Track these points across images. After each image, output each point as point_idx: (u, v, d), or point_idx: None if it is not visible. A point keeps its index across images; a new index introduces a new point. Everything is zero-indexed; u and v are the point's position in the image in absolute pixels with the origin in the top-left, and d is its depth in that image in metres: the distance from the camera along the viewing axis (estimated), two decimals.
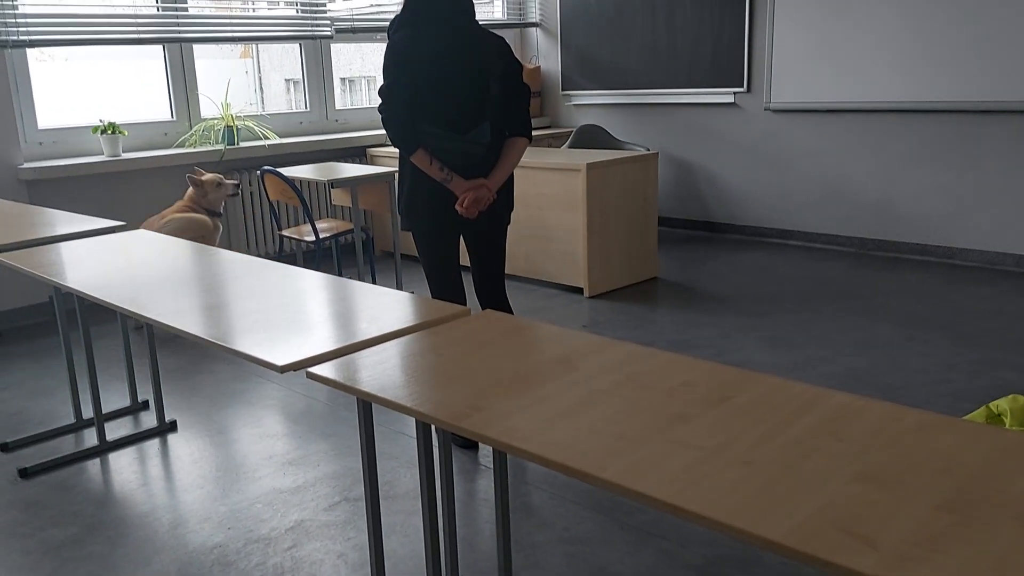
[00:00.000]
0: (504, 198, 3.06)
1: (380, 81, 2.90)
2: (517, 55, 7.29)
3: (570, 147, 6.40)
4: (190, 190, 4.76)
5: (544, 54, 7.29)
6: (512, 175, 3.06)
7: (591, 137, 6.47)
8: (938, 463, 1.23)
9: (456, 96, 2.87)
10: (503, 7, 7.20)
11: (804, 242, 6.07)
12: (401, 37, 2.86)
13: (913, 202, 5.50)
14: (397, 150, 3.00)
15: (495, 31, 6.99)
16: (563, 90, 7.16)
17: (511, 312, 3.21)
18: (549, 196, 4.93)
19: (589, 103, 7.04)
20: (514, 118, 3.01)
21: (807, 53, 5.72)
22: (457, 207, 2.92)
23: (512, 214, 3.16)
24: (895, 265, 5.38)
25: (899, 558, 1.01)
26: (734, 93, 6.15)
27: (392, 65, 2.85)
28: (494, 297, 3.19)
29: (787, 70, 5.84)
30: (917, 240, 5.54)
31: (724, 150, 6.35)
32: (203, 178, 4.74)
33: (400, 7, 2.93)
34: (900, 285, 4.93)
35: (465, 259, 3.22)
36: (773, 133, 6.06)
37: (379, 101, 2.89)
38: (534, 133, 6.58)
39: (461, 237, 3.14)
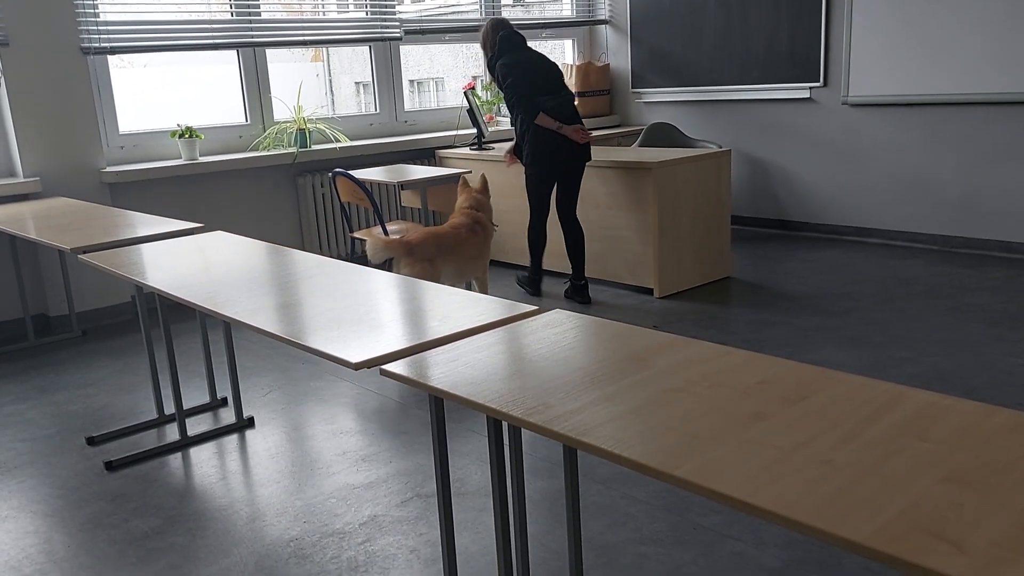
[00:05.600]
0: (587, 147, 4.71)
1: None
2: (586, 53, 7.32)
3: (640, 145, 6.34)
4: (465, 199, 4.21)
5: (614, 51, 7.24)
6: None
7: (662, 135, 6.40)
8: None
9: (547, 79, 4.66)
10: (572, 5, 7.18)
11: (884, 240, 5.90)
12: (504, 60, 4.65)
13: (1000, 198, 5.30)
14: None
15: (566, 28, 7.02)
16: (633, 88, 7.10)
17: (580, 228, 4.81)
18: (619, 195, 4.89)
19: (659, 100, 6.96)
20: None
21: (887, 44, 5.56)
22: (575, 136, 4.57)
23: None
24: (981, 263, 5.19)
25: (989, 561, 0.97)
26: (810, 88, 6.01)
27: (509, 72, 4.62)
28: (571, 216, 4.78)
29: (866, 62, 5.68)
30: (1004, 237, 5.33)
31: (799, 146, 6.21)
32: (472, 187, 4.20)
33: (495, 50, 4.69)
34: (987, 283, 4.75)
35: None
36: (851, 128, 5.90)
37: (504, 93, 4.69)
38: (603, 132, 6.64)
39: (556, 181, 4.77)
